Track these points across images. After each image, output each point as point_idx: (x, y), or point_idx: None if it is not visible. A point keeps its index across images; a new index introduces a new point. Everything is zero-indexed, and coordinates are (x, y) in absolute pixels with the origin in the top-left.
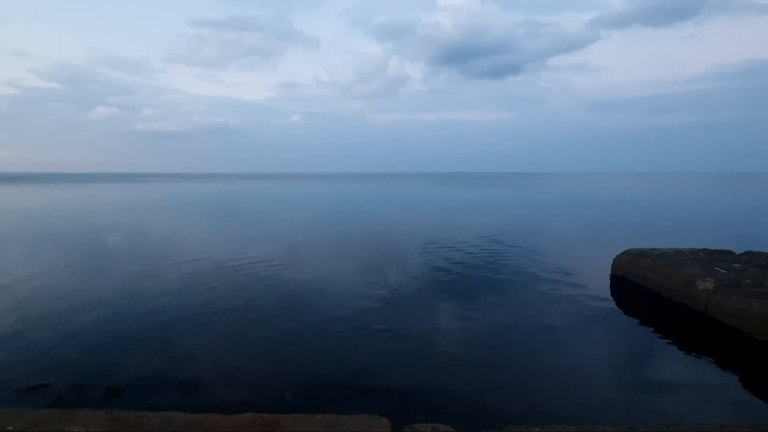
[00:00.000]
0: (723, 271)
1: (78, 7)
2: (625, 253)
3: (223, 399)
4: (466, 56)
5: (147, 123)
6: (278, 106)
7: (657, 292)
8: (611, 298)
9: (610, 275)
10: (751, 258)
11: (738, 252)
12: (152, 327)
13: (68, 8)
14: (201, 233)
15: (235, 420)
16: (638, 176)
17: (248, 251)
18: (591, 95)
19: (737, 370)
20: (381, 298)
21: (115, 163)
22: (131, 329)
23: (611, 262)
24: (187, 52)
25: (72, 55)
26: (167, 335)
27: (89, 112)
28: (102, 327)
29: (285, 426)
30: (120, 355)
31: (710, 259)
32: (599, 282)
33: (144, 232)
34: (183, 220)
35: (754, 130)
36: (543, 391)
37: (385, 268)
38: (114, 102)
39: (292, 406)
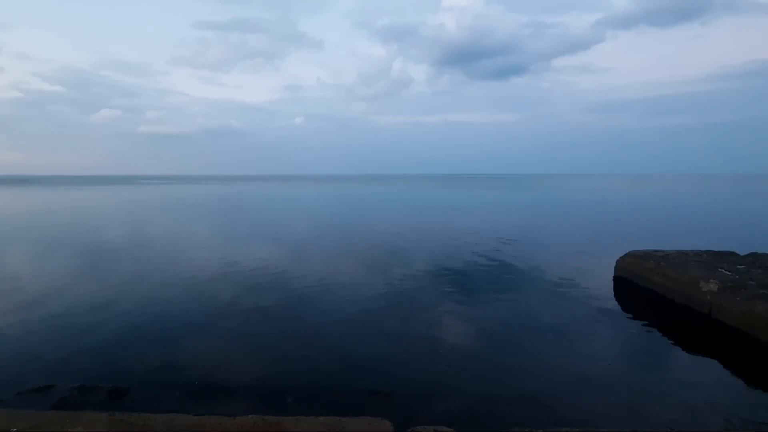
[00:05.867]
0: (727, 272)
1: (83, 11)
2: (629, 254)
3: (226, 401)
4: (470, 57)
5: (151, 125)
6: (281, 109)
7: (660, 294)
8: (614, 300)
9: (613, 277)
10: (755, 259)
11: (742, 253)
12: (154, 329)
13: (73, 12)
14: (204, 236)
15: (238, 422)
16: (642, 177)
17: (251, 253)
18: (595, 96)
19: (742, 372)
20: (384, 299)
21: (118, 166)
22: (134, 331)
23: (614, 264)
24: (191, 54)
25: (76, 59)
26: (170, 337)
27: (93, 114)
28: (105, 329)
29: (287, 428)
30: (123, 357)
31: (714, 260)
32: (602, 283)
33: (147, 236)
34: (186, 224)
35: (760, 131)
36: (546, 393)
37: (387, 269)
38: (118, 104)
39: (295, 408)
